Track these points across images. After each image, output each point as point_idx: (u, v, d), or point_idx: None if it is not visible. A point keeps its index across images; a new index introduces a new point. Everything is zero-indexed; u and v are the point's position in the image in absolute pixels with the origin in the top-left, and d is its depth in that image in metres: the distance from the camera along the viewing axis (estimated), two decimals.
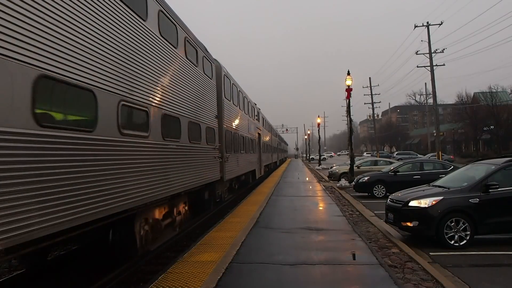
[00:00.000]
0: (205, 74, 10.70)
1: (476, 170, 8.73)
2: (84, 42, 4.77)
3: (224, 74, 13.24)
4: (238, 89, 16.52)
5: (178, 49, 8.41)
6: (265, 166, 28.84)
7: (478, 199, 7.64)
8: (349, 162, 22.57)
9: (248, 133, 18.72)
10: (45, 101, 4.19)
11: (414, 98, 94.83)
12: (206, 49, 11.19)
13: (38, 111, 3.89)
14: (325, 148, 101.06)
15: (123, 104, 5.72)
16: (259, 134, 23.99)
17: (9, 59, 3.54)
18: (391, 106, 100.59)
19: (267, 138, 31.20)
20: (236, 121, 15.41)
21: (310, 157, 78.94)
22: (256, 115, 23.62)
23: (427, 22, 31.28)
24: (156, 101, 7.04)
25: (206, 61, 11.05)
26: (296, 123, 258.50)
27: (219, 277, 5.35)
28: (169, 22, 8.02)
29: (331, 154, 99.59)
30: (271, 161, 35.55)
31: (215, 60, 12.61)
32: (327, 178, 26.65)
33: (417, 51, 32.33)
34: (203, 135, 10.04)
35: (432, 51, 31.09)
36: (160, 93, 7.28)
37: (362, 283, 5.26)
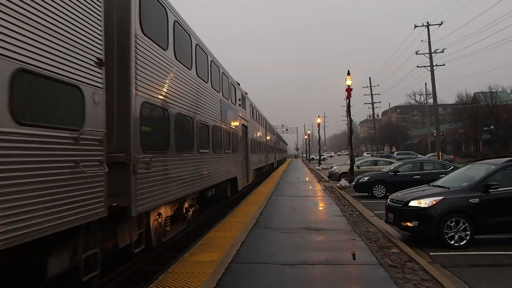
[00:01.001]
0: None
1: (476, 170, 8.74)
2: None
3: None
4: (195, 42, 9.52)
5: None
6: (256, 170, 23.16)
7: (478, 199, 7.64)
8: (349, 162, 22.58)
9: (219, 121, 11.73)
10: None
11: (414, 98, 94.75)
12: None
13: None
14: (325, 148, 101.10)
15: None
16: (245, 127, 17.44)
17: None
18: (391, 106, 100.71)
19: (260, 134, 24.67)
20: (185, 93, 8.41)
21: (310, 157, 78.95)
22: (240, 100, 16.37)
23: (427, 22, 31.32)
24: None
25: None
26: (296, 123, 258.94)
27: (219, 277, 5.35)
28: None
29: (331, 154, 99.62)
30: (265, 163, 28.48)
31: None
32: (327, 178, 26.64)
33: (417, 51, 32.39)
34: None
35: (432, 51, 31.12)
36: None
37: (362, 283, 5.27)
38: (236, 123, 15.14)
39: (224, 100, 12.79)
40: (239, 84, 17.01)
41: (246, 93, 19.38)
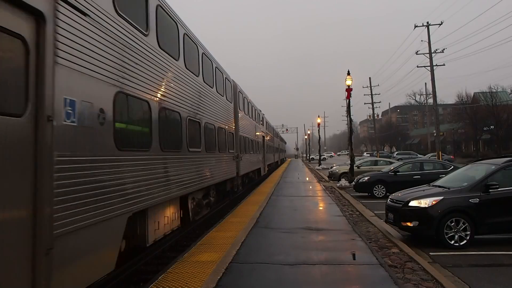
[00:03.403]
0: None
1: (476, 170, 8.74)
2: None
3: None
4: None
5: None
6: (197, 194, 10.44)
7: (478, 199, 7.64)
8: (349, 162, 22.57)
9: None
10: None
11: (414, 98, 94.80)
12: None
13: None
14: (325, 148, 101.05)
15: None
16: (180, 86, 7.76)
17: None
18: (391, 106, 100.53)
19: (243, 123, 16.43)
20: None
21: (310, 157, 78.95)
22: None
23: (427, 22, 31.29)
24: None
25: None
26: (296, 123, 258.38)
27: (219, 277, 5.35)
28: None
29: (331, 154, 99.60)
30: (246, 170, 17.53)
31: None
32: (327, 178, 26.63)
33: (417, 51, 32.34)
34: None
35: (432, 51, 31.08)
36: None
37: (362, 283, 5.26)
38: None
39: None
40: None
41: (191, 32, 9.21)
